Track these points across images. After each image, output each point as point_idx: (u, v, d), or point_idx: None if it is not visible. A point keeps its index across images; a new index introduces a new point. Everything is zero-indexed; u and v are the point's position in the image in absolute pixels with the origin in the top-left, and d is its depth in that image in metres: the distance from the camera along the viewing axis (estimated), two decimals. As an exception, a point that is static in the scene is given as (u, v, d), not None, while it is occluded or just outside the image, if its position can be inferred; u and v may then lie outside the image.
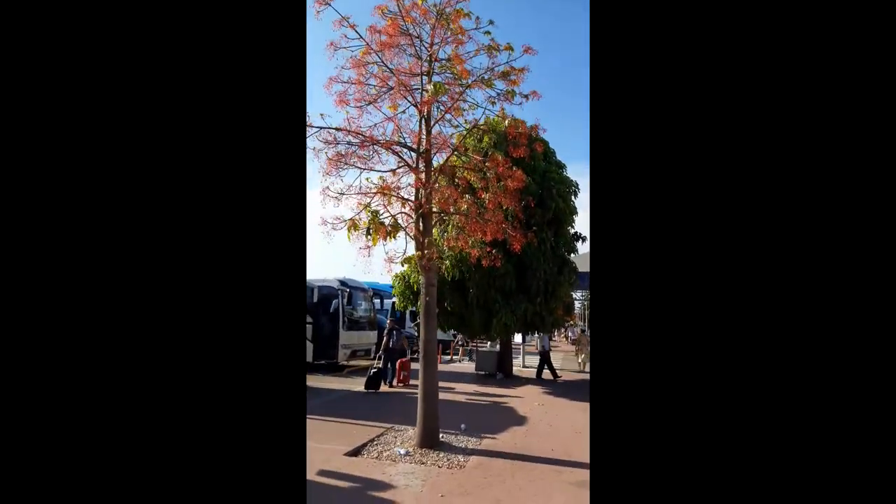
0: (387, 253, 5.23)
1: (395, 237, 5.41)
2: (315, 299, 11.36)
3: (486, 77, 5.73)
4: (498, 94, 5.71)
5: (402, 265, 5.14)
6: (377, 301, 14.04)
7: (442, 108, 5.84)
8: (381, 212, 5.40)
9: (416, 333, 12.66)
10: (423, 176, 5.60)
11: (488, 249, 5.69)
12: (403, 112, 6.00)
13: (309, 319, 11.32)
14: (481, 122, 5.67)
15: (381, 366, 9.36)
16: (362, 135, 5.30)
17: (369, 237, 5.37)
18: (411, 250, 5.33)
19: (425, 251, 5.08)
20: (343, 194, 5.17)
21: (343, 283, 11.73)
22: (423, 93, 5.58)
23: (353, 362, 12.24)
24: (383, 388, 9.16)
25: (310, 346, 11.36)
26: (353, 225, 5.38)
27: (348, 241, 5.44)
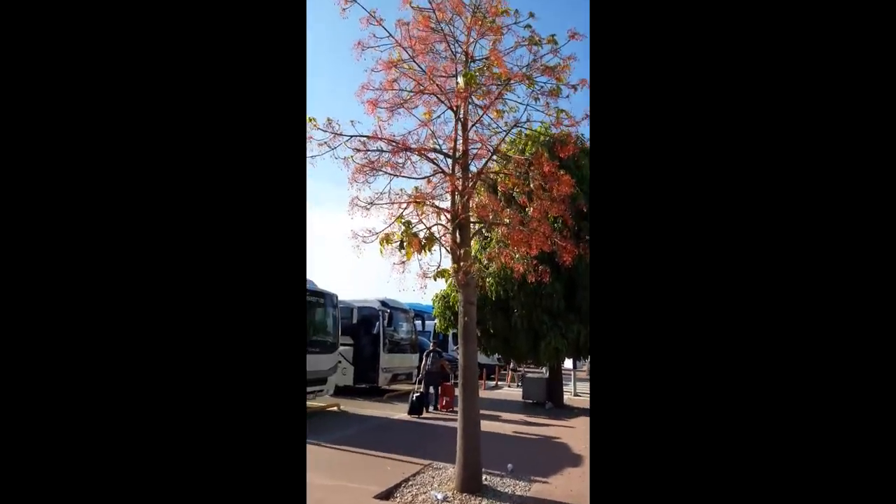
0: (421, 267, 4.73)
1: (430, 250, 4.90)
2: (355, 320, 11.04)
3: (527, 73, 5.22)
4: (541, 91, 5.17)
5: (436, 279, 4.60)
6: (418, 323, 13.55)
7: (479, 109, 5.37)
8: (413, 223, 4.94)
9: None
10: (459, 182, 5.11)
11: (534, 263, 5.06)
12: (438, 117, 5.60)
13: (349, 341, 11.02)
14: (523, 120, 5.11)
15: (423, 390, 9.19)
16: (394, 142, 4.90)
17: (403, 251, 4.90)
18: (447, 264, 4.79)
19: (462, 263, 4.52)
20: (373, 204, 4.76)
21: (384, 303, 11.36)
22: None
23: (394, 386, 11.74)
24: (426, 413, 8.98)
25: (350, 369, 11.01)
26: (387, 238, 4.94)
27: (381, 255, 5.01)
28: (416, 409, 8.67)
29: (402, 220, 4.81)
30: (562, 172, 5.02)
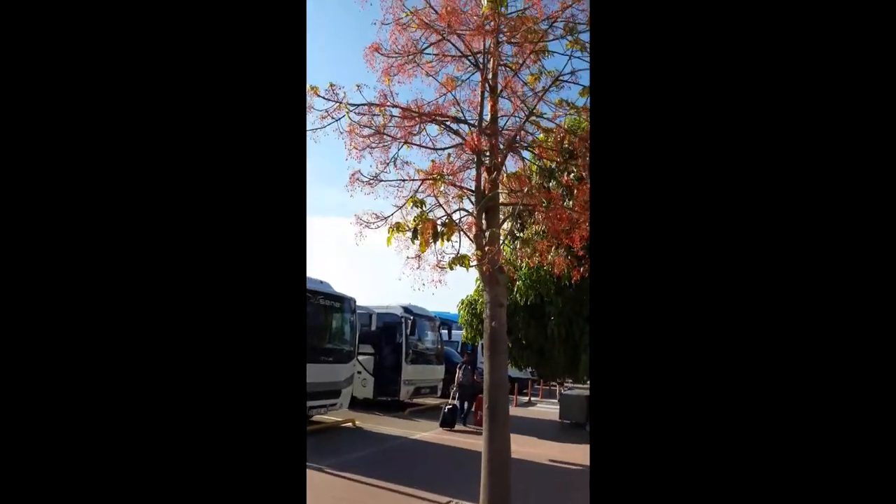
0: (438, 259, 3.78)
1: (449, 238, 3.96)
2: (375, 328, 10.17)
3: (570, 22, 4.25)
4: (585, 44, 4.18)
5: (452, 268, 3.64)
6: (444, 332, 12.59)
7: (509, 69, 4.42)
8: (429, 206, 4.03)
9: None
10: (487, 156, 4.17)
11: (579, 254, 4.03)
12: (463, 82, 4.70)
13: (370, 350, 10.18)
14: (567, 72, 4.13)
15: (456, 402, 8.85)
16: (404, 108, 4.01)
17: (416, 240, 3.99)
18: (466, 250, 3.82)
19: (487, 249, 3.54)
20: (379, 179, 3.87)
21: (407, 310, 10.47)
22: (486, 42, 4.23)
23: (417, 400, 10.79)
24: (458, 427, 8.48)
25: (370, 381, 10.15)
26: (397, 226, 4.04)
27: (388, 246, 4.11)
28: (448, 421, 8.37)
29: (415, 200, 3.91)
30: None
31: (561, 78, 4.14)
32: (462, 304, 9.23)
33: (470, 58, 4.44)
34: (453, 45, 4.47)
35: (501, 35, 4.39)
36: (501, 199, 4.36)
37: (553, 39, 4.43)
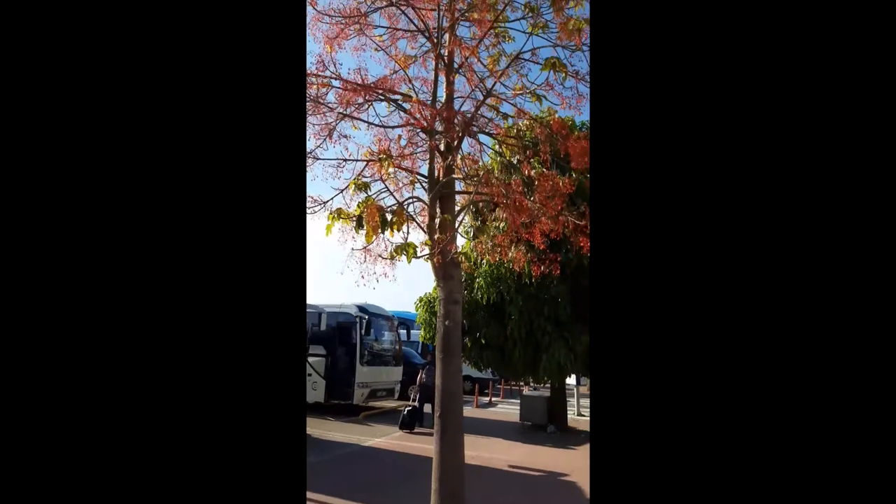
0: (387, 249, 3.34)
1: (398, 228, 3.53)
2: (325, 327, 9.60)
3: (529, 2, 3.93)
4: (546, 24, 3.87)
5: (393, 258, 3.22)
6: (403, 332, 12.12)
7: (467, 47, 4.04)
8: (375, 191, 3.58)
9: None
10: (441, 140, 3.77)
11: (540, 247, 3.70)
12: (415, 60, 4.28)
13: (321, 351, 9.59)
14: (527, 50, 3.80)
15: (416, 404, 8.58)
16: (346, 80, 3.54)
17: (361, 229, 3.53)
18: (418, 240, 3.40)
19: (438, 237, 3.14)
20: (314, 155, 3.39)
21: (362, 309, 9.93)
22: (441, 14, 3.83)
23: (372, 403, 10.29)
24: (418, 429, 8.18)
25: (321, 384, 9.56)
26: (340, 213, 3.57)
27: (327, 235, 3.64)
28: (407, 423, 8.16)
29: (358, 183, 3.45)
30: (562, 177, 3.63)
31: (521, 56, 3.80)
32: (420, 301, 8.82)
33: (425, 33, 4.03)
34: (405, 15, 4.05)
35: (457, 12, 4.00)
36: (458, 188, 3.99)
37: (514, 21, 4.11)
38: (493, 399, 13.70)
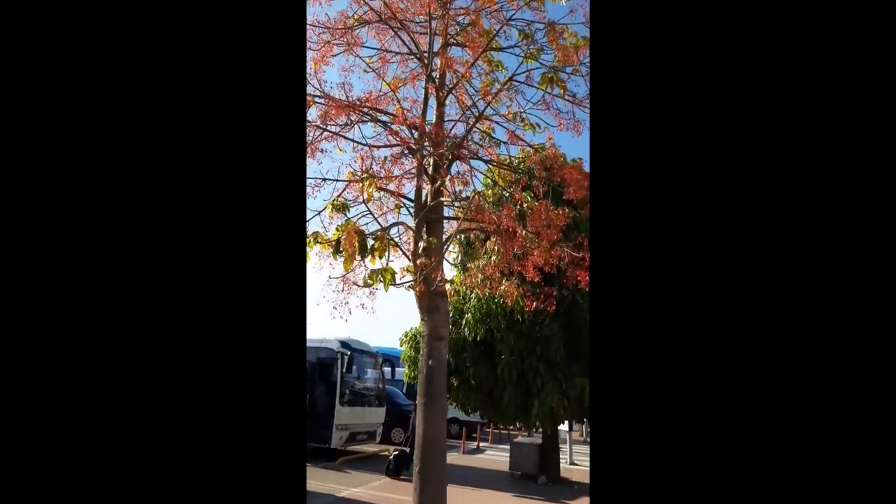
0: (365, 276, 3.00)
1: (381, 255, 3.21)
2: (305, 364, 9.02)
3: (526, 30, 3.82)
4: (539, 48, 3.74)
5: (368, 285, 2.88)
6: (388, 370, 11.54)
7: (459, 72, 3.90)
8: (356, 216, 3.29)
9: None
10: (429, 165, 3.53)
11: (535, 280, 3.40)
12: (405, 84, 4.12)
13: (299, 390, 8.98)
14: (520, 72, 3.63)
15: (406, 448, 7.88)
16: (328, 96, 3.32)
17: (340, 255, 3.21)
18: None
19: (420, 262, 2.81)
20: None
21: (345, 344, 9.42)
22: (432, 37, 3.68)
23: (352, 447, 9.59)
24: (404, 475, 7.41)
25: (297, 426, 8.89)
26: (316, 237, 3.26)
27: (308, 261, 3.30)
28: (393, 469, 7.60)
29: (335, 204, 3.16)
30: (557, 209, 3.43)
31: (515, 79, 3.64)
32: (405, 337, 8.36)
33: (416, 55, 3.89)
34: (398, 37, 3.91)
35: (449, 36, 3.88)
36: (447, 214, 3.73)
37: (508, 48, 3.99)
38: (481, 444, 12.96)
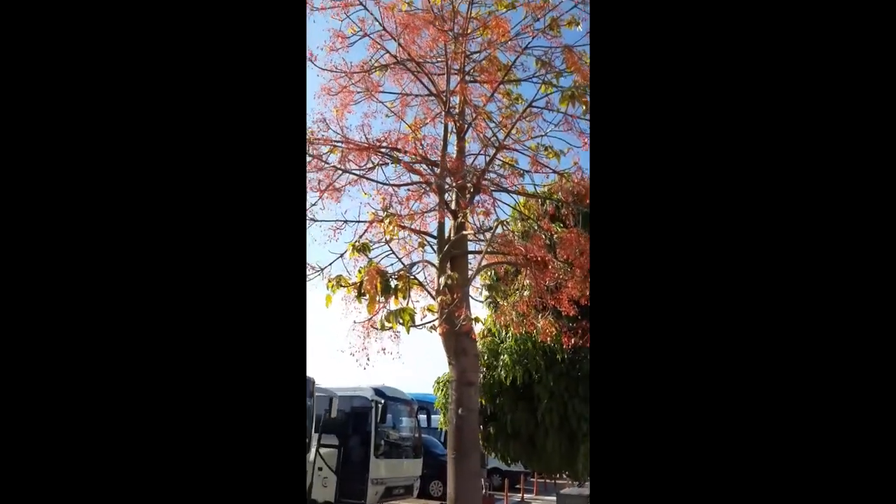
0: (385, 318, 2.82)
1: (404, 295, 3.04)
2: (337, 413, 8.72)
3: (544, 58, 3.76)
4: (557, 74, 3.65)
5: (384, 328, 2.67)
6: (423, 417, 11.09)
7: (474, 111, 3.84)
8: (376, 253, 3.16)
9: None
10: (451, 200, 3.41)
11: (570, 314, 3.13)
12: (426, 124, 4.10)
13: (334, 442, 8.67)
14: (539, 98, 3.53)
15: None
16: (354, 142, 3.30)
17: (364, 298, 3.06)
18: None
19: (442, 298, 2.61)
20: (311, 217, 3.03)
21: (379, 392, 9.12)
22: (449, 78, 3.65)
23: (389, 503, 9.07)
24: None
25: (332, 480, 8.52)
26: (339, 280, 3.14)
27: (327, 307, 3.17)
28: None
29: (356, 245, 3.04)
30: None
31: (534, 106, 3.54)
32: (438, 383, 8.01)
33: (435, 96, 3.88)
34: (420, 81, 3.92)
35: (467, 75, 3.86)
36: (472, 248, 3.55)
37: (526, 79, 3.93)
38: (526, 496, 12.06)
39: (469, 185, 3.22)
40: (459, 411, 2.85)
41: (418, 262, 3.12)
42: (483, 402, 7.34)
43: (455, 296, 2.69)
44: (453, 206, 3.40)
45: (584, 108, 3.12)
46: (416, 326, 2.71)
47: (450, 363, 3.07)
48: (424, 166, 3.53)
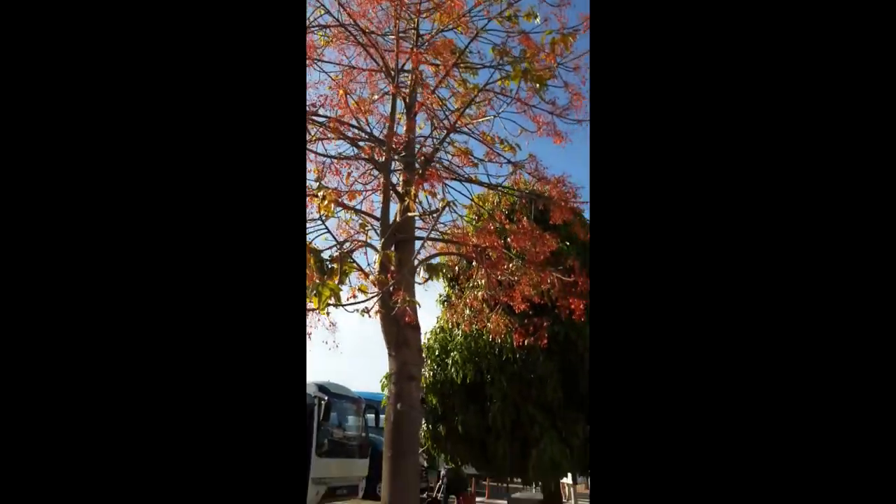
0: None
1: (342, 280, 2.75)
2: (280, 412, 8.22)
3: (500, 47, 3.57)
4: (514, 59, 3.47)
5: (316, 310, 2.38)
6: (371, 416, 10.71)
7: (426, 91, 3.61)
8: (312, 238, 2.85)
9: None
10: (399, 183, 3.15)
11: (527, 311, 2.94)
12: (376, 99, 3.83)
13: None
14: (494, 80, 3.34)
15: (441, 496, 7.77)
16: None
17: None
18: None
19: (380, 277, 2.34)
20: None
21: (322, 388, 8.68)
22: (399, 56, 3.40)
23: (331, 505, 8.65)
24: None
25: (269, 482, 8.01)
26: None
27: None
28: None
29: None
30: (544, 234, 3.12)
31: (488, 88, 3.33)
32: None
33: (383, 71, 3.61)
34: (372, 58, 3.64)
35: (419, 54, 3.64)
36: (420, 235, 3.30)
37: (481, 66, 3.74)
38: (478, 500, 11.90)
39: (416, 164, 2.97)
40: (398, 406, 2.59)
41: (356, 242, 2.84)
42: (433, 401, 7.09)
43: (390, 276, 2.42)
44: (400, 189, 3.14)
45: (536, 84, 2.94)
46: (337, 306, 2.42)
47: (390, 355, 2.80)
48: (357, 128, 3.25)
